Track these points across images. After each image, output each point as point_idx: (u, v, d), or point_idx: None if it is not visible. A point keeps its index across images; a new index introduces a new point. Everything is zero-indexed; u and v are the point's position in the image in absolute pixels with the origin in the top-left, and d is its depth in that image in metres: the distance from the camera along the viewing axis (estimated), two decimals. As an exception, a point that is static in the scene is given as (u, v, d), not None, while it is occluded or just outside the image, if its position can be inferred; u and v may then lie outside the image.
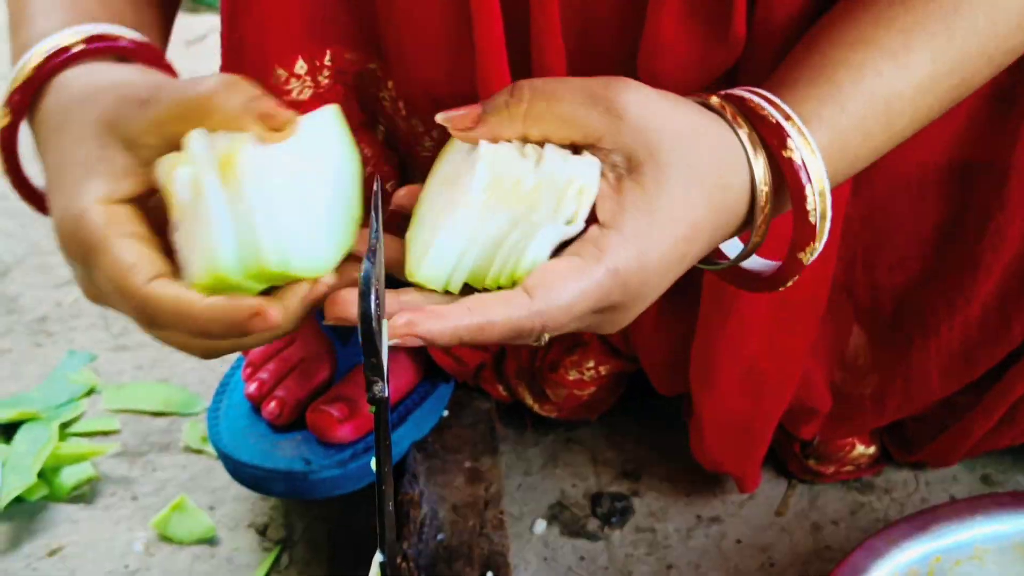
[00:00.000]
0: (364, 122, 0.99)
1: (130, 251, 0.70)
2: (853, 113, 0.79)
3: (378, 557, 0.64)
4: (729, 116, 0.76)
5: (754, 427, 1.10)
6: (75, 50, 0.80)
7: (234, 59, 0.93)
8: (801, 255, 0.79)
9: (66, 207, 0.73)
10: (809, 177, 0.76)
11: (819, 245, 0.78)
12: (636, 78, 0.76)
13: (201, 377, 1.30)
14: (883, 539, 0.98)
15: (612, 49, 0.89)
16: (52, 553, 1.12)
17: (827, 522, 1.15)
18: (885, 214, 1.05)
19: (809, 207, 0.76)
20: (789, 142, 0.75)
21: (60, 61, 0.80)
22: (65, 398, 1.27)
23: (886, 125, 0.81)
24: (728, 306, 1.01)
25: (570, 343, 1.16)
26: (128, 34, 0.84)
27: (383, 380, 0.59)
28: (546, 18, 0.85)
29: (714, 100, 0.77)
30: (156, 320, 0.70)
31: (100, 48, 0.82)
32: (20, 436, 1.20)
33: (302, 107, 0.93)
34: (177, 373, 1.31)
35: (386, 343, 0.61)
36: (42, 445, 1.18)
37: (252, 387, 1.11)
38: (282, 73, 0.93)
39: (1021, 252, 1.01)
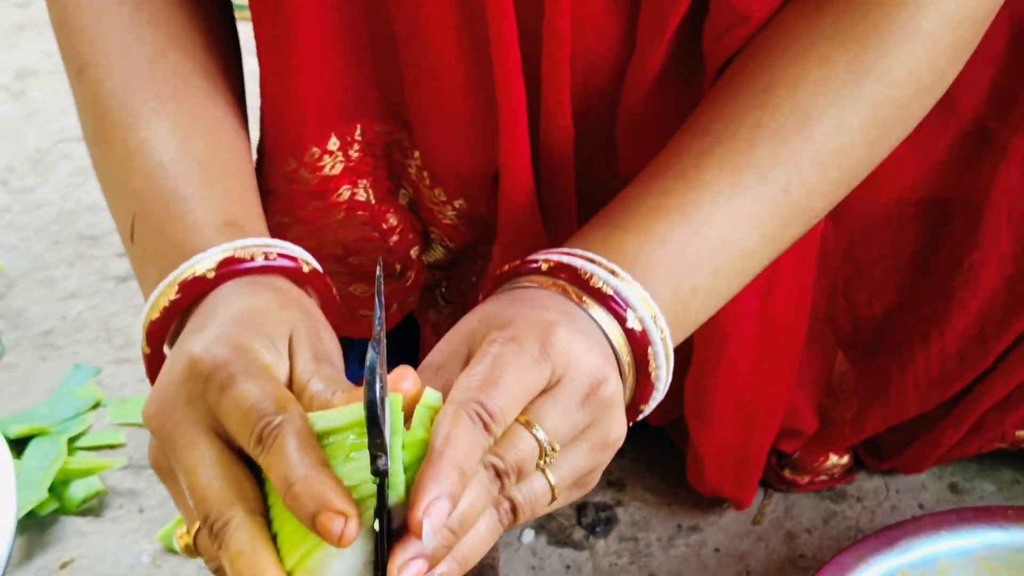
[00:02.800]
0: (391, 190, 1.02)
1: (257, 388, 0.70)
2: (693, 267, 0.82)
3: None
4: (575, 298, 0.78)
5: (749, 454, 1.15)
6: (208, 276, 0.78)
7: (272, 137, 0.97)
8: (643, 407, 0.82)
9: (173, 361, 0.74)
10: (649, 341, 0.79)
11: (660, 395, 0.82)
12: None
13: (202, 390, 1.35)
14: (852, 555, 1.03)
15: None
16: (63, 566, 1.17)
17: (801, 531, 1.20)
18: (864, 247, 1.09)
19: (650, 368, 0.79)
20: (629, 313, 0.78)
21: (189, 294, 0.78)
22: (72, 412, 1.31)
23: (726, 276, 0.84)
24: (719, 348, 1.05)
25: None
26: (261, 249, 0.81)
27: (386, 455, 0.64)
28: (559, 105, 0.90)
29: (548, 283, 0.79)
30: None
31: (231, 272, 0.79)
32: (30, 451, 1.25)
33: (334, 180, 0.98)
34: (179, 386, 1.35)
35: (389, 424, 0.66)
36: (52, 460, 1.23)
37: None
38: (316, 151, 0.97)
39: (998, 288, 1.05)
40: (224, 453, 0.70)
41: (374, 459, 0.64)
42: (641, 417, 0.84)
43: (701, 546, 1.19)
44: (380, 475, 0.65)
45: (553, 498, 0.75)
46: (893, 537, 1.05)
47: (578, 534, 1.20)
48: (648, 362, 0.79)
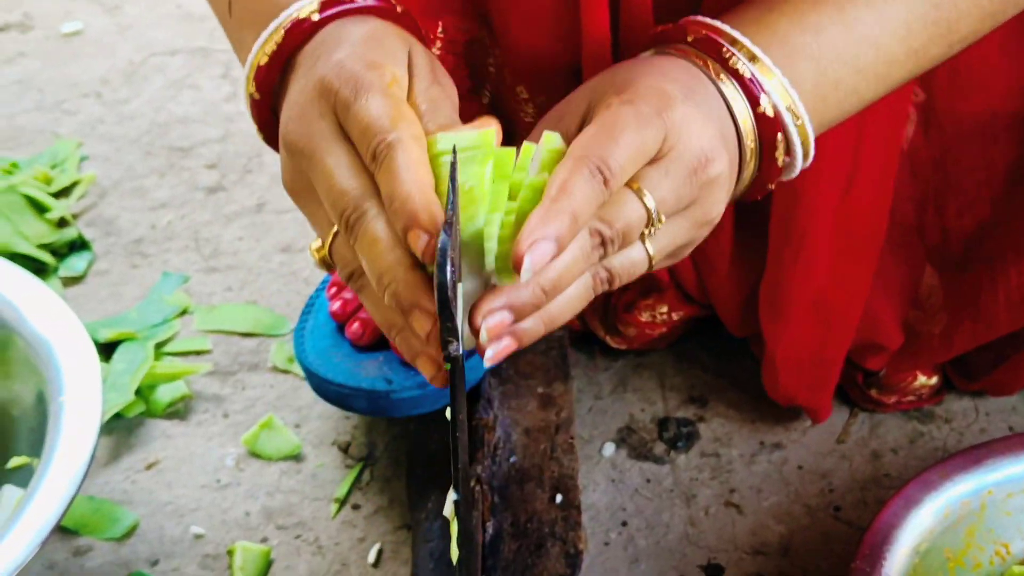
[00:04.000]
0: (471, 89, 1.02)
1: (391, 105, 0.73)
2: (829, 61, 0.82)
3: (452, 495, 0.68)
4: (712, 73, 0.79)
5: (825, 358, 1.13)
6: (313, 18, 0.80)
7: None
8: (770, 185, 0.83)
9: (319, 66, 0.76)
10: (781, 126, 0.79)
11: (787, 175, 0.82)
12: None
13: (287, 299, 1.35)
14: (937, 472, 1.01)
15: None
16: (149, 467, 1.18)
17: (887, 450, 1.18)
18: (955, 158, 1.06)
19: (777, 154, 0.80)
20: (763, 99, 0.78)
21: (297, 36, 0.80)
22: (160, 319, 1.32)
23: (865, 75, 0.84)
24: (797, 242, 1.04)
25: (647, 286, 1.20)
26: None
27: (458, 340, 0.63)
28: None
29: (691, 53, 0.80)
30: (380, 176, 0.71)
31: (335, 15, 0.80)
32: (118, 356, 1.26)
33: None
34: (265, 295, 1.36)
35: (461, 307, 0.65)
36: (139, 364, 1.24)
37: (336, 305, 1.15)
38: None
39: None
40: (359, 161, 0.73)
41: (445, 344, 0.63)
42: (770, 189, 0.83)
43: (783, 463, 1.17)
44: (452, 361, 0.64)
45: (649, 267, 0.76)
46: (980, 455, 1.02)
47: (659, 448, 1.19)
48: (776, 147, 0.79)
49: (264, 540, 1.12)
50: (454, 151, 0.69)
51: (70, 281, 1.40)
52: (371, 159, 0.71)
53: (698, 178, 0.74)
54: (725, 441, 1.20)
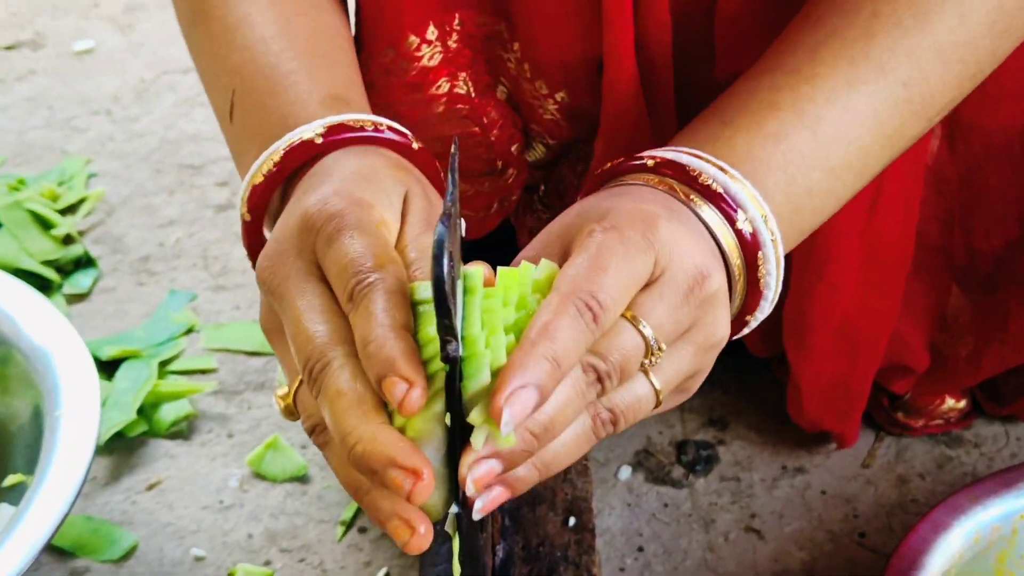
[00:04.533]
0: (489, 84, 0.99)
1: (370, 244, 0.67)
2: (803, 169, 0.77)
3: (453, 508, 0.64)
4: (683, 197, 0.73)
5: (851, 386, 1.10)
6: (317, 141, 0.76)
7: (370, 28, 0.94)
8: (749, 317, 0.77)
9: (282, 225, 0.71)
10: (759, 244, 0.74)
11: (768, 305, 0.77)
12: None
13: (297, 318, 1.32)
14: (966, 496, 0.97)
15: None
16: (151, 487, 1.15)
17: (913, 475, 1.14)
18: (982, 175, 1.03)
19: (760, 274, 0.74)
20: (739, 214, 0.73)
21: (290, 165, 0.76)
22: (166, 337, 1.30)
23: (840, 177, 0.79)
24: (819, 268, 1.00)
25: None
26: (370, 120, 0.78)
27: (457, 340, 0.59)
28: None
29: (654, 180, 0.74)
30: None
31: (339, 141, 0.76)
32: (121, 373, 1.23)
33: (432, 72, 0.95)
34: (274, 314, 1.33)
35: (460, 305, 0.61)
36: (142, 382, 1.21)
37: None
38: (414, 40, 0.94)
39: None
40: (333, 303, 0.67)
41: (444, 344, 0.59)
42: (747, 331, 0.78)
43: (806, 488, 1.14)
44: (450, 362, 0.60)
45: (657, 404, 0.70)
46: (1011, 479, 0.98)
47: (677, 472, 1.15)
48: (758, 267, 0.74)
49: (267, 563, 1.08)
50: (455, 144, 0.66)
51: (75, 298, 1.37)
52: (347, 300, 0.65)
53: (695, 297, 0.69)
54: (746, 465, 1.16)
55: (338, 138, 0.76)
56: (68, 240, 1.43)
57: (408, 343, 0.62)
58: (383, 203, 0.71)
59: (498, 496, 0.65)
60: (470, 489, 0.63)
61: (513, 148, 1.01)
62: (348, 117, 0.77)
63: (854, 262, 1.00)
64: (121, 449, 1.19)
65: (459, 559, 0.66)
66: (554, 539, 1.02)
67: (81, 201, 1.49)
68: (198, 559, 1.09)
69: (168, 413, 1.20)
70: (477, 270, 0.65)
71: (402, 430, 0.62)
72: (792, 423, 1.16)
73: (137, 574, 1.08)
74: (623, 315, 0.67)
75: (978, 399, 1.18)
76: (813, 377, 1.08)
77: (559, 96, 0.97)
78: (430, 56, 0.95)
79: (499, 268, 0.67)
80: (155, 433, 1.20)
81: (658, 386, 0.69)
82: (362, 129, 0.77)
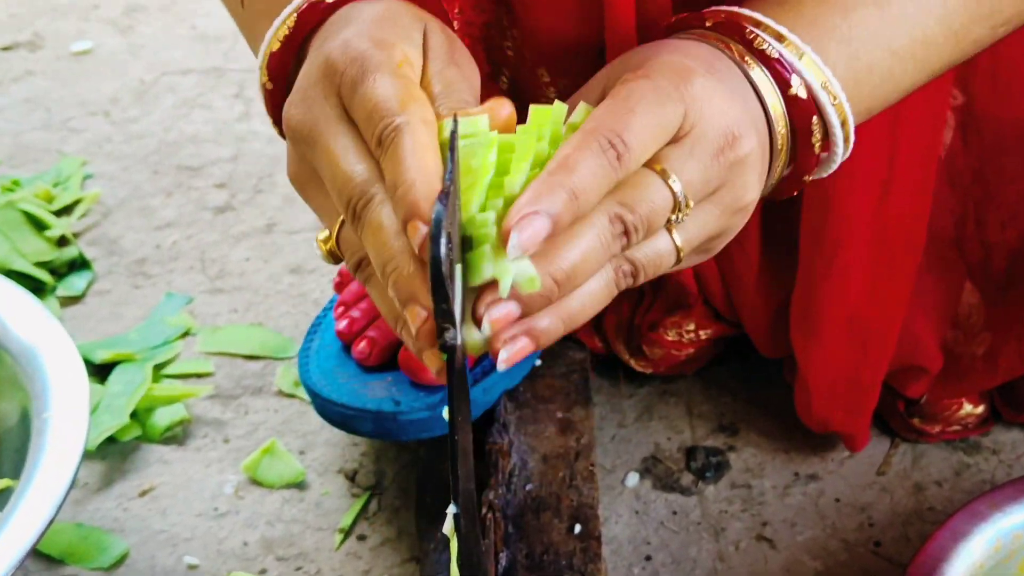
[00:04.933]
0: (489, 74, 0.97)
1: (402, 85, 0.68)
2: (864, 43, 0.76)
3: (451, 509, 0.61)
4: (736, 56, 0.73)
5: (861, 381, 1.07)
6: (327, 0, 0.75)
7: None
8: (807, 177, 0.77)
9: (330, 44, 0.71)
10: (817, 108, 0.73)
11: (837, 159, 0.76)
12: None
13: (295, 321, 1.29)
14: (986, 503, 0.94)
15: None
16: (143, 493, 1.12)
17: (930, 483, 1.11)
18: (997, 167, 1.00)
19: (813, 141, 0.74)
20: (794, 79, 0.73)
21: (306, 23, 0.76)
22: (161, 340, 1.27)
23: (904, 58, 0.78)
24: (829, 253, 0.98)
25: (673, 302, 1.13)
26: None
27: (455, 327, 0.57)
28: None
29: (712, 37, 0.74)
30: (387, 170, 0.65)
31: None
32: (114, 377, 1.21)
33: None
34: (272, 317, 1.30)
35: (459, 289, 0.59)
36: (136, 386, 1.18)
37: (343, 324, 1.10)
38: None
39: None
40: (366, 145, 0.67)
41: (441, 331, 0.56)
42: (807, 182, 0.77)
43: (819, 495, 1.10)
44: (448, 351, 0.57)
45: (678, 260, 0.69)
46: (1033, 485, 0.95)
47: (686, 479, 1.12)
48: (811, 132, 0.73)
49: (262, 572, 1.05)
50: (455, 120, 0.63)
51: (68, 301, 1.34)
52: (376, 144, 0.66)
53: (726, 158, 0.68)
54: (757, 472, 1.13)
55: None
56: (63, 242, 1.40)
57: (431, 187, 0.62)
58: (404, 41, 0.71)
59: (523, 347, 0.64)
60: (486, 328, 0.62)
61: None
62: None
63: (864, 249, 0.98)
64: (113, 454, 1.16)
65: (457, 562, 0.63)
66: (559, 547, 0.99)
67: (76, 202, 1.47)
68: (191, 567, 1.06)
69: (162, 418, 1.17)
70: (480, 116, 0.66)
71: None
72: (804, 429, 1.13)
73: (128, 582, 1.05)
74: (652, 167, 0.66)
75: (996, 405, 1.15)
76: (820, 371, 1.05)
77: (561, 84, 0.95)
78: None
79: (532, 105, 0.67)
80: (149, 438, 1.17)
81: (680, 243, 0.69)
82: None
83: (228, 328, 1.29)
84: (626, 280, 0.68)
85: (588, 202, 0.63)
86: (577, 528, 1.00)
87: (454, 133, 0.62)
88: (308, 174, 0.72)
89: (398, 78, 0.67)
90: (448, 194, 0.57)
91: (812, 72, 0.73)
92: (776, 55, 0.72)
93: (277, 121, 0.78)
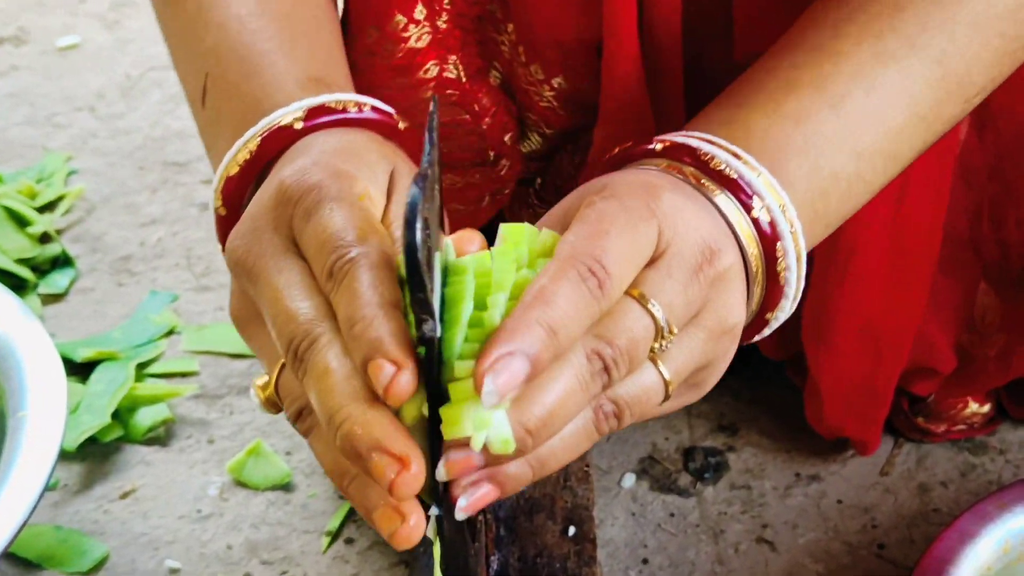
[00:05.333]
0: (481, 69, 0.94)
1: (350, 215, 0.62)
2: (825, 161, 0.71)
3: (434, 511, 0.58)
4: (693, 181, 0.68)
5: (875, 387, 1.03)
6: (296, 127, 0.71)
7: (354, 5, 0.89)
8: (769, 315, 0.71)
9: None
10: (776, 234, 0.68)
11: (790, 303, 0.71)
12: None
13: (283, 319, 1.26)
14: (994, 503, 0.91)
15: None
16: (125, 495, 1.09)
17: (935, 483, 1.08)
18: (1014, 163, 0.97)
19: (779, 268, 0.69)
20: (755, 201, 0.68)
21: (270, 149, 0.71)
22: (145, 338, 1.24)
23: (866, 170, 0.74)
24: (844, 263, 0.94)
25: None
26: (353, 101, 0.73)
27: (433, 318, 0.53)
28: None
29: (663, 164, 0.69)
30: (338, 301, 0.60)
31: (321, 124, 0.71)
32: (96, 376, 1.17)
33: (420, 54, 0.89)
34: (259, 315, 1.27)
35: (438, 275, 0.55)
36: (118, 385, 1.15)
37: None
38: (401, 19, 0.88)
39: None
40: (315, 281, 0.61)
41: (419, 322, 0.53)
42: (767, 331, 0.73)
43: (821, 497, 1.07)
44: (426, 344, 0.54)
45: (666, 397, 0.64)
46: (1043, 485, 0.92)
47: (684, 480, 1.09)
48: (776, 259, 0.68)
49: (246, 576, 1.02)
50: (434, 100, 0.60)
51: (51, 298, 1.31)
52: (327, 277, 0.60)
53: (705, 275, 0.63)
54: (757, 472, 1.10)
55: (318, 122, 0.70)
56: (45, 238, 1.37)
57: (397, 322, 0.56)
58: (367, 177, 0.66)
59: (485, 495, 0.59)
60: (440, 474, 0.57)
61: (506, 138, 0.95)
62: (329, 98, 0.72)
63: (880, 256, 0.94)
64: (94, 455, 1.13)
65: (440, 567, 0.60)
66: (553, 550, 0.96)
67: (60, 199, 1.43)
68: (173, 571, 1.03)
69: (145, 418, 1.14)
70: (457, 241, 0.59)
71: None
72: (806, 429, 1.10)
73: (107, 587, 1.02)
74: (629, 293, 0.61)
75: (1003, 402, 1.12)
76: (835, 379, 1.02)
77: (556, 82, 0.92)
78: (418, 37, 0.89)
79: (502, 224, 0.61)
80: (131, 439, 1.14)
81: (667, 376, 0.63)
82: (344, 111, 0.71)
83: (214, 326, 1.26)
84: (608, 423, 0.63)
85: (568, 339, 0.57)
86: (571, 530, 0.97)
87: (432, 113, 0.58)
88: (250, 312, 0.66)
89: (356, 209, 0.62)
90: (425, 177, 0.54)
91: (771, 195, 0.68)
92: (735, 176, 0.68)
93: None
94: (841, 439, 1.10)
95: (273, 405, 0.66)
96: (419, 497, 0.57)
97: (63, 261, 1.34)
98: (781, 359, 1.12)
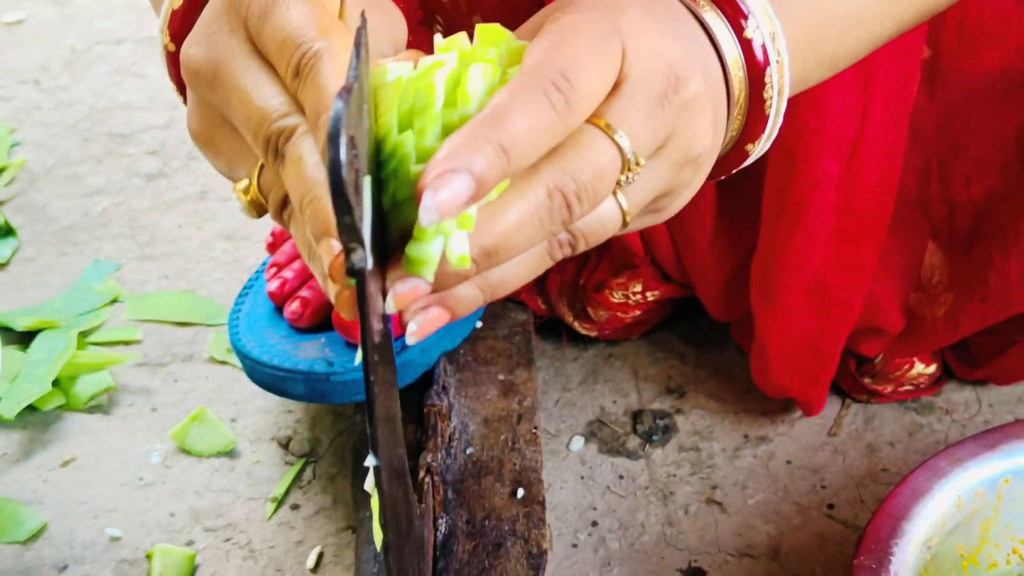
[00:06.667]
0: (423, 21, 0.88)
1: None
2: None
3: (371, 460, 0.53)
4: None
5: (823, 347, 0.98)
6: None
7: None
8: (749, 146, 0.66)
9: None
10: (767, 60, 0.63)
11: (767, 140, 0.66)
12: None
13: (228, 288, 1.20)
14: (946, 458, 0.86)
15: None
16: (65, 464, 1.03)
17: (883, 443, 1.03)
18: (963, 121, 0.92)
19: (765, 95, 0.63)
20: (750, 21, 0.62)
21: None
22: (87, 307, 1.17)
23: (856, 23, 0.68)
24: (793, 216, 0.89)
25: (619, 263, 1.05)
26: None
27: (363, 246, 0.47)
28: None
29: None
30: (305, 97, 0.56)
31: None
32: (36, 344, 1.11)
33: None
34: (203, 284, 1.21)
35: (368, 202, 0.49)
36: (59, 353, 1.09)
37: (274, 285, 1.00)
38: None
39: None
40: (280, 79, 0.58)
41: (347, 251, 0.47)
42: (748, 162, 0.67)
43: (770, 458, 1.03)
44: (356, 275, 0.48)
45: (624, 225, 0.59)
46: (994, 440, 0.87)
47: (632, 443, 1.04)
48: (764, 85, 0.63)
49: (189, 543, 0.96)
50: (362, 17, 0.54)
51: (-9, 269, 1.24)
52: (293, 75, 0.56)
53: (671, 103, 0.58)
54: (705, 434, 1.05)
55: None
56: (-14, 209, 1.30)
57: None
58: None
59: (435, 318, 0.54)
60: (390, 306, 0.52)
61: None
62: None
63: (830, 214, 0.89)
64: (34, 424, 1.06)
65: (379, 522, 0.54)
66: (501, 512, 0.91)
67: (2, 170, 1.36)
68: (113, 539, 0.96)
69: (86, 386, 1.08)
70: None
71: None
72: (753, 391, 1.06)
73: (44, 556, 0.95)
74: (593, 122, 0.56)
75: (949, 363, 1.07)
76: (780, 339, 0.97)
77: None
78: None
79: (479, 25, 0.57)
80: (72, 407, 1.07)
81: (626, 206, 0.58)
82: None
83: (157, 294, 1.19)
84: (563, 250, 0.58)
85: (523, 157, 0.52)
86: (520, 493, 0.92)
87: (360, 30, 0.52)
88: (215, 122, 0.62)
89: (313, 5, 0.58)
90: (350, 91, 0.48)
91: (764, 20, 0.63)
92: None
93: (182, 89, 0.68)
94: (789, 400, 1.05)
95: (257, 207, 0.62)
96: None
97: (4, 231, 1.27)
98: (728, 320, 1.08)
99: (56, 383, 1.07)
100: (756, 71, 0.63)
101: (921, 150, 0.94)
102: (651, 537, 0.96)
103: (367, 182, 0.49)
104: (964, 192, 0.95)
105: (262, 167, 0.60)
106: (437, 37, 0.58)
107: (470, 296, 0.56)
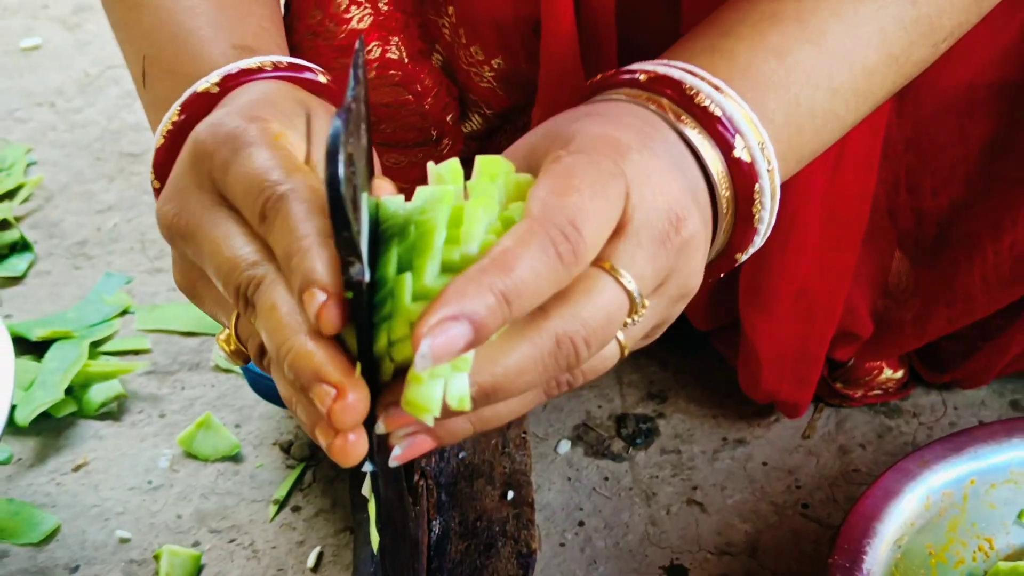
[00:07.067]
0: (423, 50, 0.86)
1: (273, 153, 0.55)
2: (801, 99, 0.65)
3: (368, 467, 0.51)
4: (672, 117, 0.61)
5: (810, 350, 0.97)
6: (212, 91, 0.64)
7: None
8: (739, 255, 0.64)
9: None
10: (756, 176, 0.61)
11: (760, 240, 0.64)
12: None
13: (233, 299, 1.18)
14: (915, 461, 0.85)
15: None
16: (77, 468, 1.01)
17: (854, 445, 1.02)
18: (930, 135, 0.91)
19: (754, 209, 0.62)
20: (737, 140, 0.60)
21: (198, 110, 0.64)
22: (99, 318, 1.16)
23: (835, 111, 0.67)
24: (787, 228, 0.88)
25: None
26: (270, 61, 0.65)
27: (360, 260, 0.46)
28: None
29: (643, 96, 0.62)
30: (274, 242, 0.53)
31: (236, 84, 0.64)
32: (51, 354, 1.09)
33: (363, 35, 0.82)
34: (210, 295, 1.19)
35: (365, 218, 0.48)
36: (72, 363, 1.07)
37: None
38: (343, 1, 0.81)
39: None
40: (249, 227, 0.54)
41: (345, 265, 0.46)
42: (739, 263, 0.65)
43: (747, 459, 1.01)
44: (354, 288, 0.47)
45: (620, 360, 0.57)
46: (961, 443, 0.87)
47: (617, 446, 1.03)
48: (753, 201, 0.61)
49: (195, 544, 0.95)
50: (360, 40, 0.53)
51: (9, 281, 1.22)
52: (260, 220, 0.53)
53: (672, 244, 0.55)
54: (686, 438, 1.04)
55: (235, 82, 0.63)
56: (4, 225, 1.28)
57: (331, 250, 0.49)
58: (282, 122, 0.58)
59: (419, 444, 0.52)
60: (379, 428, 0.50)
61: (448, 117, 0.88)
62: (247, 62, 0.64)
63: (816, 224, 0.88)
64: (48, 430, 1.04)
65: (376, 525, 0.53)
66: (492, 514, 0.89)
67: (19, 187, 1.35)
68: (123, 541, 0.95)
69: (98, 394, 1.06)
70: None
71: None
72: (732, 396, 1.05)
73: (57, 557, 0.93)
74: (600, 266, 0.53)
75: (916, 368, 1.06)
76: (772, 344, 0.95)
77: (495, 62, 0.85)
78: (359, 18, 0.82)
79: (478, 157, 0.54)
80: (84, 414, 1.06)
81: (624, 341, 0.56)
82: (260, 71, 0.64)
83: (166, 306, 1.18)
84: (560, 389, 0.55)
85: (526, 306, 0.49)
86: (510, 495, 0.90)
87: (358, 52, 0.51)
88: (195, 274, 0.59)
89: (275, 149, 0.55)
90: (349, 111, 0.46)
91: (752, 133, 0.61)
92: (719, 114, 0.60)
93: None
94: (765, 405, 1.04)
95: (240, 354, 0.60)
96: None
97: (21, 246, 1.26)
98: (709, 329, 1.06)
99: (69, 391, 1.06)
100: (745, 187, 0.61)
101: (891, 162, 0.93)
102: (635, 536, 0.95)
103: (365, 198, 0.48)
104: (931, 202, 0.94)
105: (239, 316, 0.58)
106: (430, 165, 0.56)
107: (460, 428, 0.53)
